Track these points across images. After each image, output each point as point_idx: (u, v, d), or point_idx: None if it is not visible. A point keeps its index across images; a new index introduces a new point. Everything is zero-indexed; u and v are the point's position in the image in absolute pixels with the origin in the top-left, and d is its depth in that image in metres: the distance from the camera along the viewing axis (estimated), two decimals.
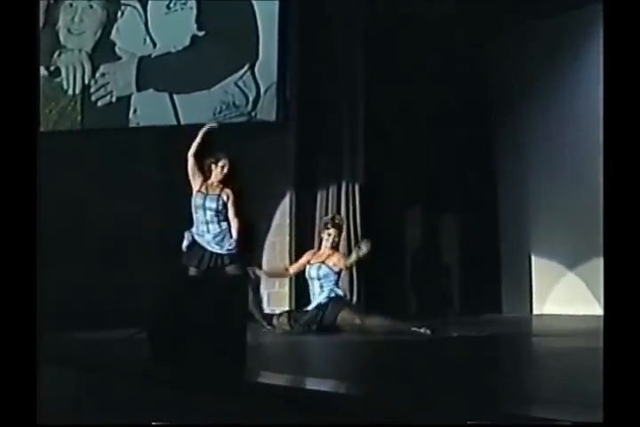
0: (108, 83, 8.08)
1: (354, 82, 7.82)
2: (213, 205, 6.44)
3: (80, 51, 8.34)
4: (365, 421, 2.62)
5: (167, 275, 7.94)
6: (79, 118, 8.15)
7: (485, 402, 2.72)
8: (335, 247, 6.53)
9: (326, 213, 7.44)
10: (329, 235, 6.53)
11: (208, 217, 6.44)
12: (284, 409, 2.92)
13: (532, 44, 8.46)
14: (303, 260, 6.59)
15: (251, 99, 8.03)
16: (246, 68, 8.08)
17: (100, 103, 8.16)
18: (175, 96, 8.12)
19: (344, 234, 6.91)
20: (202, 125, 6.47)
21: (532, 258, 8.68)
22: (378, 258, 6.72)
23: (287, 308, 7.28)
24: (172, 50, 8.27)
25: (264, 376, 3.57)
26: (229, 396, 3.16)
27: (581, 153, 8.07)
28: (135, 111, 8.14)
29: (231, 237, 6.40)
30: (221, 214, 6.45)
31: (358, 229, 7.55)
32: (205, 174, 6.51)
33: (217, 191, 6.49)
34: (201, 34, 8.14)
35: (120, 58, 8.29)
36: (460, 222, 8.22)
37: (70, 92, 8.21)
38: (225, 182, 6.50)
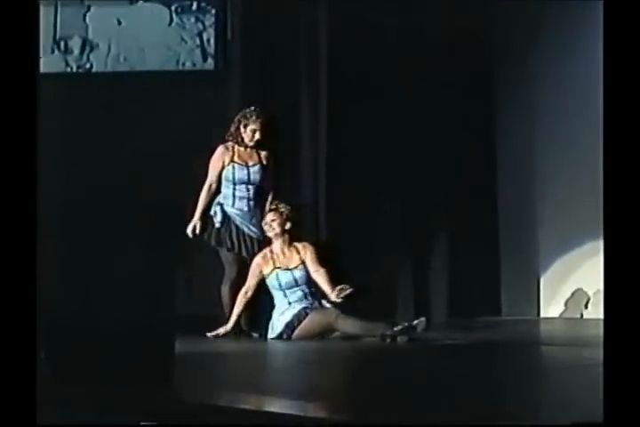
0: None
1: (314, 19, 7.72)
2: (253, 177, 6.57)
3: None
4: None
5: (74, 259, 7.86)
6: None
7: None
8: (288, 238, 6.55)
9: (279, 191, 7.40)
10: (272, 220, 6.56)
11: (251, 193, 6.59)
12: None
13: None
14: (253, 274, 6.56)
15: None
16: None
17: None
18: None
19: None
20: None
21: (541, 247, 8.69)
22: (349, 252, 6.77)
23: None
24: None
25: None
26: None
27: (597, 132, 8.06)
28: None
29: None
30: (263, 188, 6.63)
31: (321, 214, 7.50)
32: (237, 138, 6.62)
33: (255, 159, 6.61)
34: None
35: None
36: (449, 204, 8.22)
37: None
38: (259, 146, 6.60)
